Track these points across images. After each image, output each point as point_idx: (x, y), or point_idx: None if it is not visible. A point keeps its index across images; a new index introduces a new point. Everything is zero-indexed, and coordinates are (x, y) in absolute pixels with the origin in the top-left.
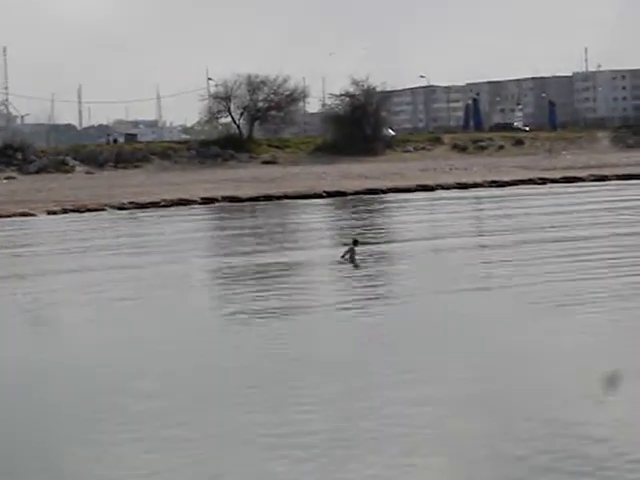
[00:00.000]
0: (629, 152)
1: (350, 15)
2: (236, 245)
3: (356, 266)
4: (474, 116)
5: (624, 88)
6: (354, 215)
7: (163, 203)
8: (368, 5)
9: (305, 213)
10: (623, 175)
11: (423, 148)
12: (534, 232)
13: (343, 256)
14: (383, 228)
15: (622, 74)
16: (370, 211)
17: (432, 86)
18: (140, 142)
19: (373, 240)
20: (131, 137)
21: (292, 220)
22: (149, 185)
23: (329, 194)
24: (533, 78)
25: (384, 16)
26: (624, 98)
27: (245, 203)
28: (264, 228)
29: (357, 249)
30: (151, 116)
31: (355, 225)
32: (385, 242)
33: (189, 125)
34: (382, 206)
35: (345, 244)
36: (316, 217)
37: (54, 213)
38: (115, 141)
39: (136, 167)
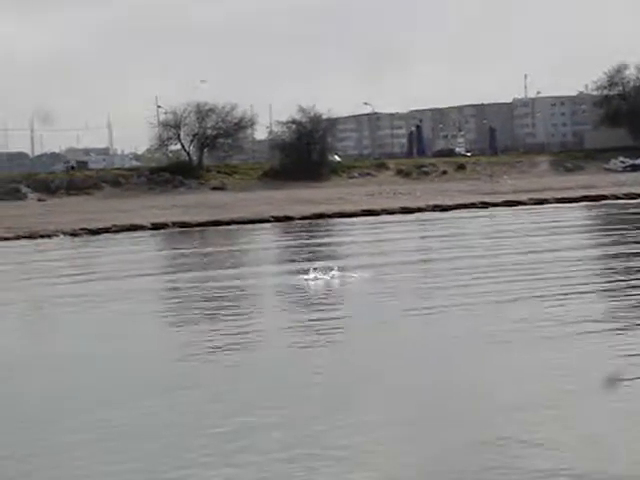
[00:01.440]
0: (568, 176)
1: (297, 45)
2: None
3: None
4: (417, 142)
5: (563, 114)
6: (295, 238)
7: (114, 229)
8: (309, 33)
9: (249, 237)
10: (562, 198)
11: (368, 174)
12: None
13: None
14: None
15: (561, 100)
16: (311, 234)
17: (376, 113)
18: (91, 169)
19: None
20: (82, 164)
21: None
22: (100, 212)
23: (277, 219)
24: (474, 105)
25: (327, 44)
26: (563, 124)
27: (195, 228)
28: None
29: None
30: (102, 144)
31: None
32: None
33: (140, 152)
34: (322, 229)
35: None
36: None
37: (6, 239)
38: (73, 167)
39: (87, 194)
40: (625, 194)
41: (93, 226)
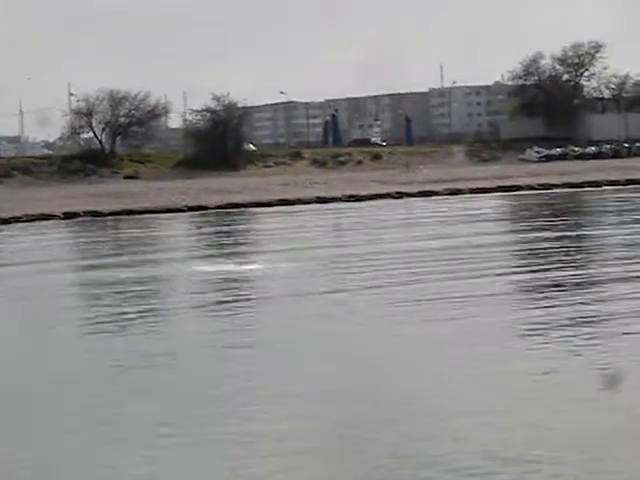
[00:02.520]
0: (483, 166)
1: (213, 31)
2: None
3: None
4: (333, 132)
5: (478, 104)
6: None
7: (25, 218)
8: (225, 23)
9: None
10: (477, 189)
11: (284, 163)
12: None
13: None
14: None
15: (476, 90)
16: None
17: (292, 102)
18: (1, 157)
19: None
20: None
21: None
22: (11, 200)
23: (190, 208)
24: (390, 95)
25: (242, 33)
26: (478, 114)
27: (107, 217)
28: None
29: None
30: (13, 132)
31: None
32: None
33: (51, 141)
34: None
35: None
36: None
37: None
38: None
39: None
40: (540, 184)
41: (4, 215)
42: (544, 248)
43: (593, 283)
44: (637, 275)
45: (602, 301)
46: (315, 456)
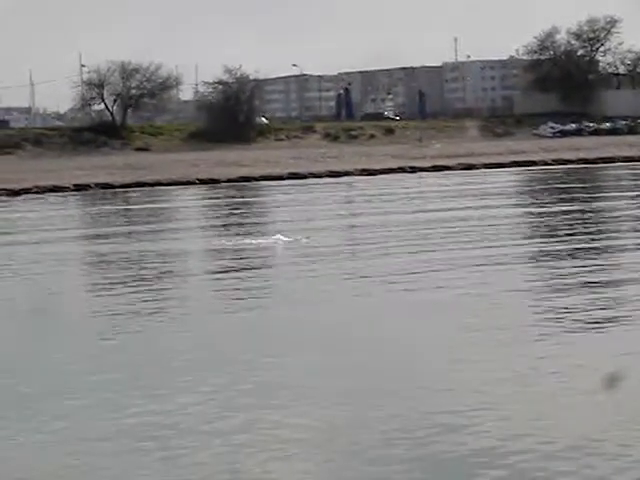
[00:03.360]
0: (497, 141)
1: (226, 3)
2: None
3: None
4: (346, 105)
5: (493, 78)
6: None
7: (36, 190)
8: None
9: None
10: (490, 164)
11: (296, 136)
12: None
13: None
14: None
15: (491, 65)
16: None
17: (305, 75)
18: (12, 128)
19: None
20: (3, 124)
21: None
22: (22, 172)
23: (202, 181)
24: (403, 68)
25: (255, 4)
26: (493, 88)
27: (118, 190)
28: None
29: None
30: (24, 103)
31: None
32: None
33: (62, 112)
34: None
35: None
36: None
37: None
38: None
39: (8, 154)
40: (554, 160)
41: (14, 186)
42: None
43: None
44: None
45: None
46: None
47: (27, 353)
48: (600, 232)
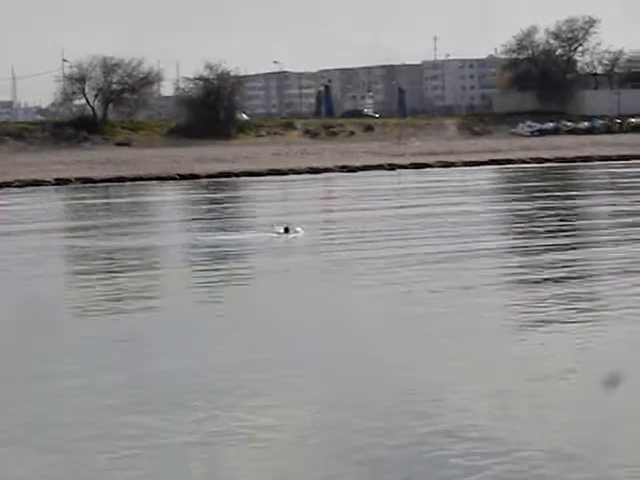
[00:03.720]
0: (475, 139)
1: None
2: None
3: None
4: (326, 102)
5: (472, 77)
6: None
7: (17, 184)
8: None
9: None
10: (469, 162)
11: (276, 133)
12: None
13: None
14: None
15: (470, 63)
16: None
17: (285, 72)
18: None
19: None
20: None
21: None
22: (3, 166)
23: (182, 177)
24: (383, 66)
25: (238, 1)
26: (472, 87)
27: (98, 184)
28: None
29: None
30: (6, 97)
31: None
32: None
33: (44, 106)
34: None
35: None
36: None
37: None
38: None
39: None
40: (532, 158)
41: None
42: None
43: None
44: None
45: None
46: None
47: None
48: (560, 230)
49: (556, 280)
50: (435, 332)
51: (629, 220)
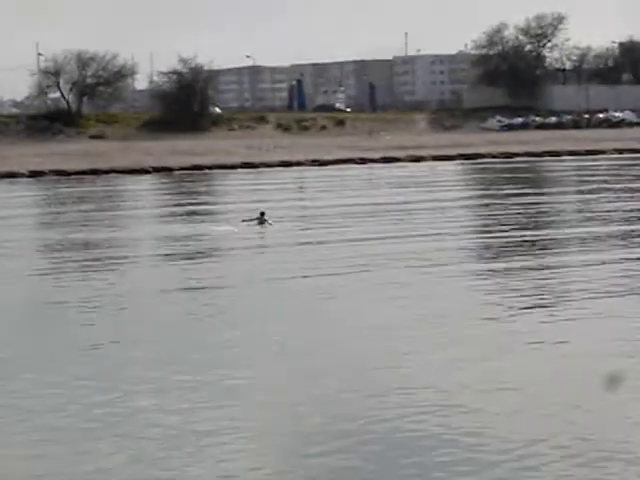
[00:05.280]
0: (445, 134)
1: None
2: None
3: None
4: (298, 97)
5: (442, 72)
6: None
7: None
8: None
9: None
10: (438, 156)
11: (248, 127)
12: None
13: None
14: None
15: (440, 59)
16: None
17: (258, 66)
18: None
19: None
20: None
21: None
22: None
23: (155, 169)
24: (355, 61)
25: None
26: (442, 82)
27: (72, 177)
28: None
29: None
30: None
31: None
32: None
33: (19, 100)
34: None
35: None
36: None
37: None
38: None
39: None
40: (501, 153)
41: None
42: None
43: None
44: None
45: None
46: None
47: None
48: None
49: None
50: None
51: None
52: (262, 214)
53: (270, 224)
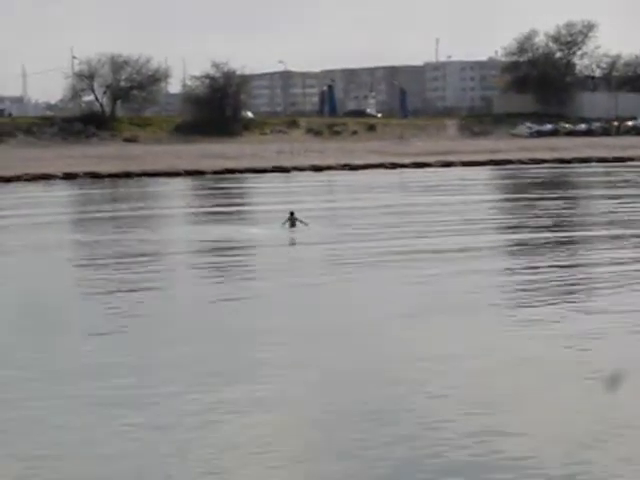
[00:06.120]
0: (475, 140)
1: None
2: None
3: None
4: (329, 102)
5: (472, 79)
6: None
7: (25, 177)
8: None
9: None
10: (468, 162)
11: (280, 131)
12: None
13: (284, 223)
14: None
15: (471, 65)
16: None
17: (289, 72)
18: (5, 117)
19: None
20: None
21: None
22: (12, 159)
23: (188, 173)
24: (386, 67)
25: (243, 1)
26: (472, 88)
27: (105, 179)
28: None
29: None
30: (16, 92)
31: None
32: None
33: (53, 102)
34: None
35: None
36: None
37: None
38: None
39: (0, 142)
40: (530, 159)
41: (5, 174)
42: None
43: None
44: None
45: None
46: None
47: None
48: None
49: None
50: None
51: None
52: (291, 214)
53: (305, 224)
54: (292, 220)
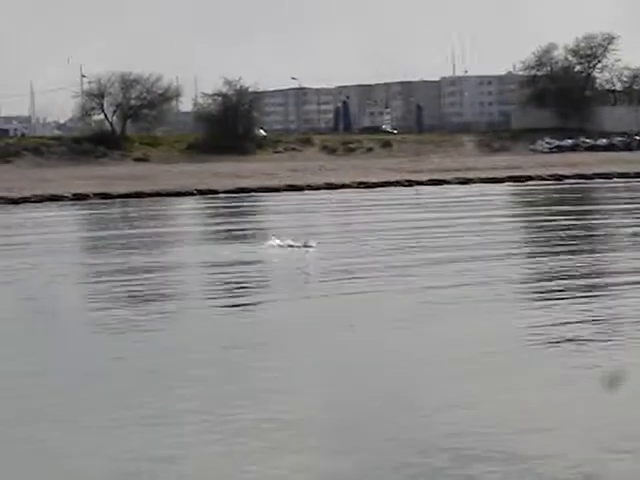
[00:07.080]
0: (494, 156)
1: (223, 16)
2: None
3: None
4: (344, 118)
5: (490, 93)
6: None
7: (34, 199)
8: (237, 7)
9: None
10: (487, 178)
11: (293, 149)
12: None
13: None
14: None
15: (488, 80)
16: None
17: (303, 88)
18: (12, 137)
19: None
20: (3, 133)
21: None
22: (21, 180)
23: (200, 192)
24: (401, 82)
25: (255, 18)
26: (490, 103)
27: (116, 200)
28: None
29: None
30: (24, 112)
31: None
32: None
33: (62, 122)
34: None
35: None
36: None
37: None
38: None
39: (7, 162)
40: (550, 175)
41: (13, 195)
42: None
43: None
44: None
45: None
46: None
47: None
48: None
49: None
50: None
51: None
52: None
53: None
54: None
